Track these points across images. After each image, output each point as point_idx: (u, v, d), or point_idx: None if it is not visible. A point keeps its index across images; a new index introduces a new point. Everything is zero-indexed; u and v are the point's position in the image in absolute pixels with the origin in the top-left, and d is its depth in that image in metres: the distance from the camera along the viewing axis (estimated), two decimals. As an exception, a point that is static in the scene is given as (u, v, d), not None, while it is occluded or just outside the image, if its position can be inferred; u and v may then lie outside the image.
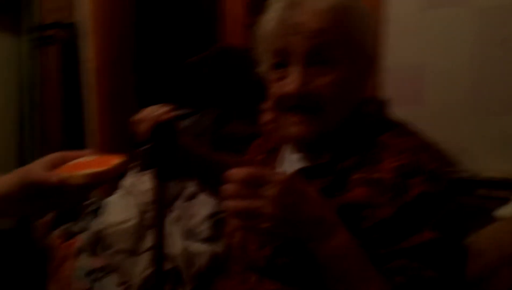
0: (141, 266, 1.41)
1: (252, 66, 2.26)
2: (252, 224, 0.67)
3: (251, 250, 0.87)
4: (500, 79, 1.46)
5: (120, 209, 1.55)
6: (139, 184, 1.63)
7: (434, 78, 1.59)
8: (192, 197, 1.61)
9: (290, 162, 0.92)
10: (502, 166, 1.43)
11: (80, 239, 1.55)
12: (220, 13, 2.37)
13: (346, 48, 0.79)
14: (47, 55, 2.50)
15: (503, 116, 1.47)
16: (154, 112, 0.99)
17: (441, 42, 1.56)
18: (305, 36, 0.78)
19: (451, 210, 0.75)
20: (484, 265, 0.69)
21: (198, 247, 1.46)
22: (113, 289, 1.40)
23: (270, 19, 0.82)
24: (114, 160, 0.76)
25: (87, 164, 0.76)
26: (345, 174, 0.79)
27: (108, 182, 0.77)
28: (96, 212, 1.67)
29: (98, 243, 1.50)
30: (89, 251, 1.50)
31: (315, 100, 0.79)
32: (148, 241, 1.44)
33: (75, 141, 2.45)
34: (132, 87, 2.58)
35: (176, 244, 1.43)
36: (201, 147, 1.25)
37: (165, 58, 2.74)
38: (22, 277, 2.04)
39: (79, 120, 2.45)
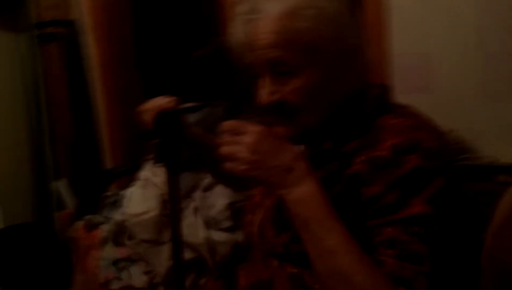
0: (165, 256, 1.44)
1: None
2: (231, 166, 0.75)
3: (269, 237, 0.90)
4: (510, 64, 1.47)
5: (140, 200, 1.58)
6: (156, 176, 1.67)
7: (442, 65, 1.59)
8: (209, 188, 1.64)
9: None
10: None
11: (104, 230, 1.58)
12: (220, 6, 2.37)
13: (302, 53, 0.80)
14: (48, 52, 2.50)
15: (516, 101, 1.48)
16: (158, 102, 1.02)
17: (447, 29, 1.56)
18: (260, 52, 0.81)
19: (447, 188, 0.76)
20: None
21: (220, 236, 1.49)
22: (140, 277, 1.43)
23: (233, 34, 0.86)
24: None
25: None
26: (348, 158, 0.82)
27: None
28: (115, 204, 1.70)
29: (121, 233, 1.53)
30: (113, 241, 1.53)
31: (286, 108, 0.83)
32: (170, 231, 1.47)
33: (85, 135, 2.48)
34: (137, 81, 2.60)
35: (198, 233, 1.47)
36: (212, 139, 1.27)
37: (168, 52, 2.76)
38: (45, 269, 2.07)
39: (87, 115, 2.47)
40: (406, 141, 0.77)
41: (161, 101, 1.03)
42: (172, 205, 1.11)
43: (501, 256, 0.66)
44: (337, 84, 0.84)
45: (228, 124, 0.77)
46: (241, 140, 0.75)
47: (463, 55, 1.55)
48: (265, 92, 0.83)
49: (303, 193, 0.75)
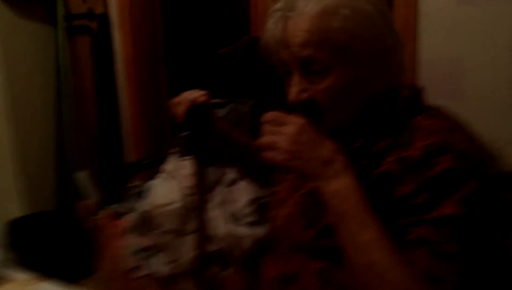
0: (188, 246, 1.45)
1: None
2: (271, 155, 0.77)
3: (296, 232, 0.91)
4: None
5: (165, 192, 1.59)
6: (181, 169, 1.68)
7: (473, 71, 1.58)
8: (232, 183, 1.64)
9: None
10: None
11: (128, 219, 1.60)
12: (251, 3, 2.38)
13: (335, 53, 0.79)
14: (77, 44, 2.54)
15: (545, 109, 1.45)
16: (190, 95, 1.03)
17: (479, 36, 1.55)
18: (292, 50, 0.81)
19: (480, 190, 0.75)
20: None
21: (242, 230, 1.49)
22: (162, 267, 1.44)
23: (267, 30, 0.86)
24: None
25: None
26: (378, 157, 0.82)
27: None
28: (139, 195, 1.71)
29: (145, 223, 1.54)
30: (137, 230, 1.55)
31: (315, 107, 0.83)
32: (194, 223, 1.48)
33: (109, 128, 2.50)
34: (163, 77, 2.62)
35: (220, 227, 1.48)
36: (239, 135, 1.28)
37: (196, 49, 2.78)
38: (65, 256, 2.09)
39: (113, 108, 2.50)
40: (438, 142, 0.77)
41: (193, 94, 1.04)
42: (199, 196, 1.12)
43: None
44: (369, 85, 0.84)
45: (270, 114, 0.79)
46: (282, 130, 0.77)
47: (495, 61, 1.53)
48: (295, 90, 0.83)
49: (341, 186, 0.76)
